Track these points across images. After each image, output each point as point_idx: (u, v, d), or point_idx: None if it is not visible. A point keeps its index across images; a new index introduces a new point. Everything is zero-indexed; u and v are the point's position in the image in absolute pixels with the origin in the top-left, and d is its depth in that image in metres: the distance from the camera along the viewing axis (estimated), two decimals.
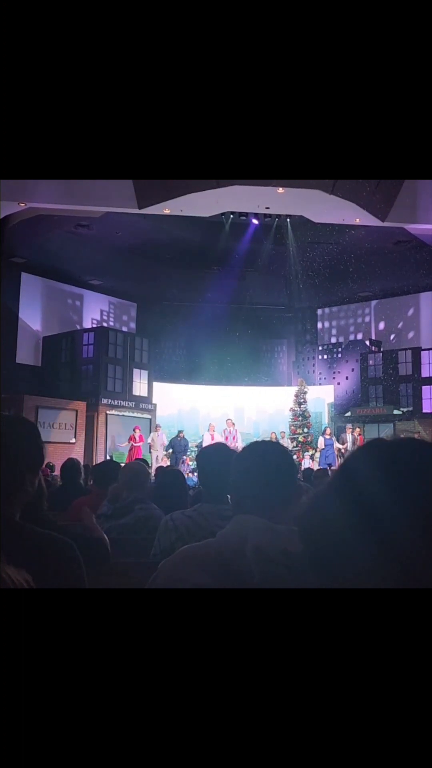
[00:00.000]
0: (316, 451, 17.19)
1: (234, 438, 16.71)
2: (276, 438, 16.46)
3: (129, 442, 16.85)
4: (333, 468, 13.13)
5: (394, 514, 0.81)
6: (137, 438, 16.79)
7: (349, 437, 16.50)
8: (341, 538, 0.84)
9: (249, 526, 1.46)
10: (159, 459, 16.16)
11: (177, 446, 17.13)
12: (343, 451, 16.01)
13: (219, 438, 16.48)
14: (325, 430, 17.27)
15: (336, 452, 16.22)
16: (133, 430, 17.07)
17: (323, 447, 16.50)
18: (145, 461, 9.12)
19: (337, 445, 16.39)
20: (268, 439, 13.15)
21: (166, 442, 17.37)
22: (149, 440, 17.13)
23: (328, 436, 16.75)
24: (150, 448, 16.92)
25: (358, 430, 16.85)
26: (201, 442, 16.56)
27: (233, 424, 17.32)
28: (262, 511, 1.50)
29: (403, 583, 0.80)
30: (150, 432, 17.76)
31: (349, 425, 17.30)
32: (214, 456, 2.65)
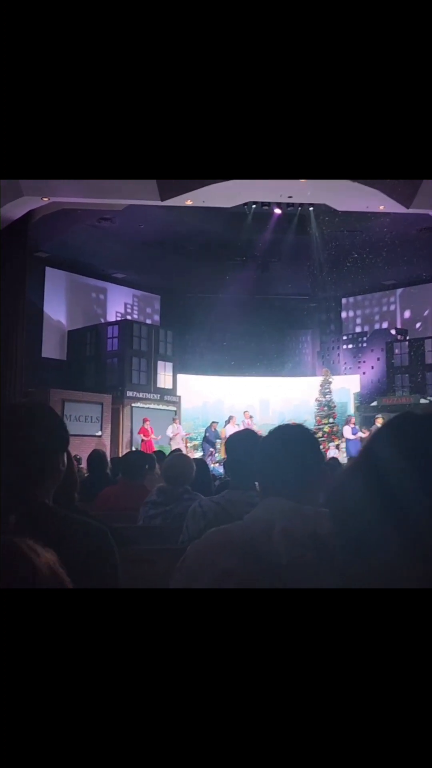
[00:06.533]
0: (341, 440, 17.06)
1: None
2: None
3: (140, 435, 16.29)
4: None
5: (420, 491, 0.80)
6: (149, 430, 16.17)
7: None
8: (368, 517, 0.83)
9: (276, 509, 1.46)
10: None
11: (212, 437, 17.08)
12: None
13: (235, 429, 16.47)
14: (349, 419, 17.08)
15: (360, 441, 16.09)
16: (143, 422, 16.45)
17: (352, 437, 16.29)
18: (162, 453, 8.93)
19: (359, 434, 16.23)
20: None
21: (183, 433, 17.00)
22: (168, 433, 16.64)
23: (353, 425, 16.60)
24: (170, 441, 16.39)
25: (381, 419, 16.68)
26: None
27: (251, 416, 17.27)
28: (289, 493, 1.50)
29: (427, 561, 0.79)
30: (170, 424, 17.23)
31: (378, 416, 17.05)
32: (242, 443, 2.65)
